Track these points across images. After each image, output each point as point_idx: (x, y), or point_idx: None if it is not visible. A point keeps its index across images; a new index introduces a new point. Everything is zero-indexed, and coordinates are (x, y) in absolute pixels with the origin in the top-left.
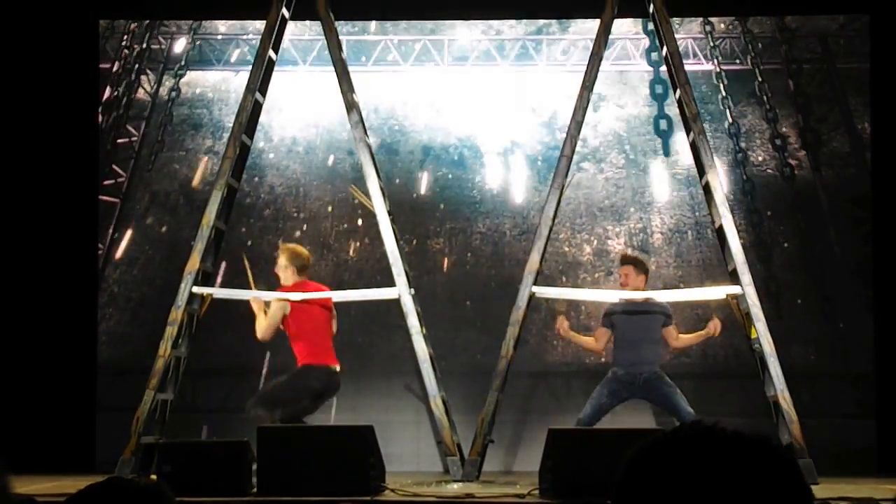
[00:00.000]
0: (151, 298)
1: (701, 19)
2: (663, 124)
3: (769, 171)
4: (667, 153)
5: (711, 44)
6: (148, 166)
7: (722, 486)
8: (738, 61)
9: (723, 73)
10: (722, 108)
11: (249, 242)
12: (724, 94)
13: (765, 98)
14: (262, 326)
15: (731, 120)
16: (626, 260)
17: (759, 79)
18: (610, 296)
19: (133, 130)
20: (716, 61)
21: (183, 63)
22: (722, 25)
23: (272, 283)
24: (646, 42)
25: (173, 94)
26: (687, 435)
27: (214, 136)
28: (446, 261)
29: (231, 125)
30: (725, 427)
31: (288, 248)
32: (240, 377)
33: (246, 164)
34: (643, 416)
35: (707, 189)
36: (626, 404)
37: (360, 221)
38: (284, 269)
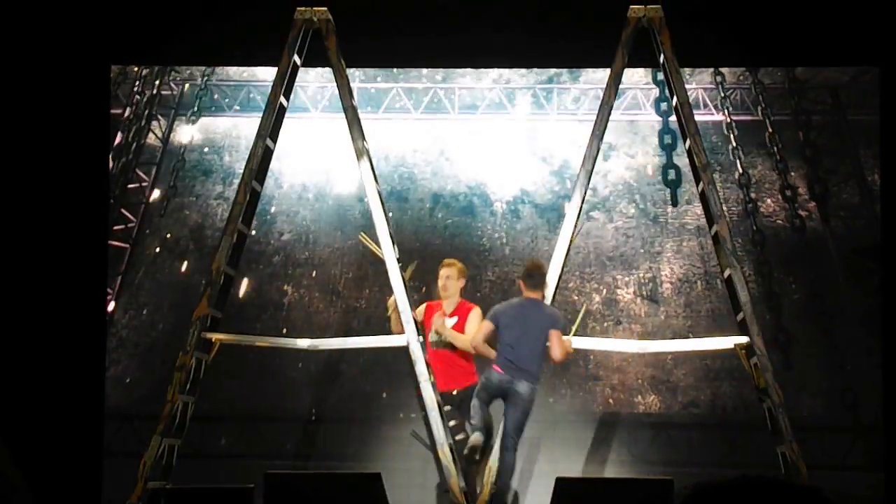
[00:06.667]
0: (160, 343)
1: (712, 70)
2: (672, 174)
3: (779, 221)
4: (675, 203)
5: (722, 94)
6: (160, 212)
7: None
8: (748, 112)
9: (733, 124)
10: (732, 158)
11: (259, 288)
12: (734, 144)
13: (775, 149)
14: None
15: (741, 170)
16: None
17: (770, 130)
18: (619, 345)
19: (143, 176)
20: (726, 112)
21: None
22: (733, 77)
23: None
24: (656, 92)
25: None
26: (739, 482)
27: (225, 181)
28: None
29: (241, 171)
30: (777, 476)
31: (455, 263)
32: (248, 423)
33: (256, 210)
34: (653, 468)
35: (716, 239)
36: (633, 455)
37: (369, 269)
38: (456, 283)
